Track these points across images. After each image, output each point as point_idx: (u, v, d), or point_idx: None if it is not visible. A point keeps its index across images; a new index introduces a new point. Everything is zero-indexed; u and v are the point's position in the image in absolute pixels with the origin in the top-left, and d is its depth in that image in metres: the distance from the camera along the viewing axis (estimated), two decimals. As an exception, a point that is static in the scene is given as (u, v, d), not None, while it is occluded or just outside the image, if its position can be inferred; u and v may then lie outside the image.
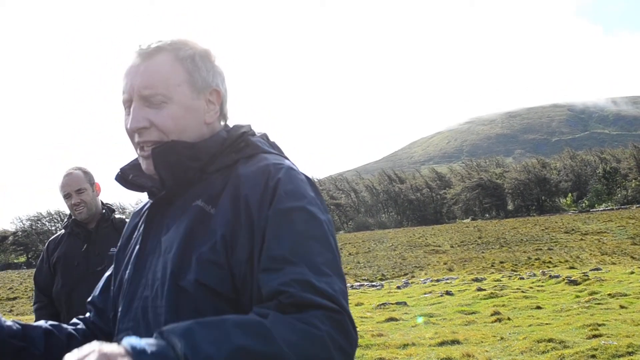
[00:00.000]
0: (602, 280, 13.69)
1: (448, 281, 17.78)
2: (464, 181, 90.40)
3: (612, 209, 63.37)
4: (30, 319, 13.85)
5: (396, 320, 9.90)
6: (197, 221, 1.14)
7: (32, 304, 3.81)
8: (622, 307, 9.53)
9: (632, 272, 15.30)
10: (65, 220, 3.41)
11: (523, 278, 16.69)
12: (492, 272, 20.53)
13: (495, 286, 14.33)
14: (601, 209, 67.94)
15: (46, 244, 3.44)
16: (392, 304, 12.12)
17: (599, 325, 7.75)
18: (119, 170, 1.30)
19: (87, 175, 3.26)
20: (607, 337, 6.97)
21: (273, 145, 1.28)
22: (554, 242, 30.85)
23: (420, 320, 9.94)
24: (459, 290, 14.11)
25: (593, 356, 6.12)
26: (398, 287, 17.09)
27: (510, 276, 17.86)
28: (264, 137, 1.29)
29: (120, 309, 1.23)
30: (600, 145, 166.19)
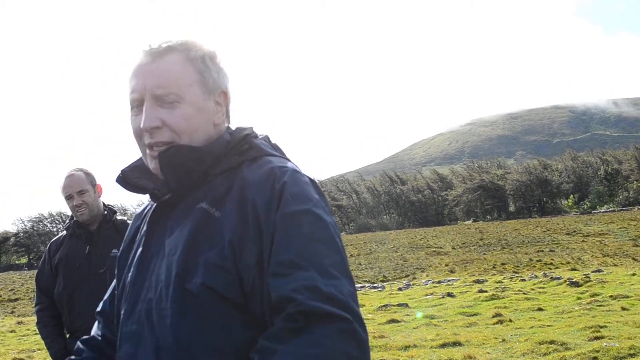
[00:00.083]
0: (604, 282, 13.66)
1: (449, 283, 17.75)
2: (465, 183, 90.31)
3: (614, 211, 63.27)
4: (31, 320, 13.86)
5: (397, 322, 9.89)
6: (201, 224, 1.13)
7: (33, 305, 3.81)
8: (623, 309, 9.50)
9: (634, 274, 15.26)
10: (67, 221, 3.42)
11: (524, 280, 16.66)
12: (494, 274, 20.49)
13: (497, 288, 14.29)
14: (603, 210, 67.83)
15: (48, 246, 3.45)
16: (393, 305, 12.10)
17: (601, 327, 7.73)
18: (120, 172, 1.29)
19: (89, 176, 3.27)
20: (609, 339, 6.95)
21: (275, 147, 1.28)
22: (556, 243, 30.80)
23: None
24: (460, 292, 14.09)
25: (595, 358, 6.10)
26: (399, 289, 17.06)
27: (511, 278, 17.82)
28: (266, 139, 1.28)
29: (123, 312, 1.22)
30: (602, 146, 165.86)
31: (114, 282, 1.38)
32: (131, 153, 1.27)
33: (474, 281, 17.21)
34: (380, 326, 9.58)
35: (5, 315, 18.90)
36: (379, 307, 11.99)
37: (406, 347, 7.49)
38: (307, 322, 0.99)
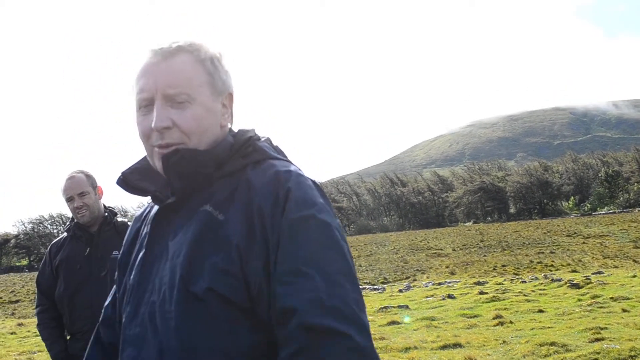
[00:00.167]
0: (605, 283, 13.66)
1: (450, 284, 17.74)
2: (465, 184, 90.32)
3: (615, 213, 63.24)
4: (32, 322, 13.84)
5: (398, 323, 9.90)
6: (205, 226, 1.12)
7: (34, 307, 3.80)
8: (624, 310, 9.50)
9: (635, 276, 15.26)
10: (68, 223, 3.42)
11: (525, 281, 16.65)
12: (494, 276, 20.49)
13: (497, 289, 14.28)
14: (603, 212, 67.80)
15: (49, 247, 3.45)
16: (394, 307, 12.10)
17: (601, 328, 7.72)
18: (120, 174, 1.27)
19: (90, 178, 3.27)
20: (610, 340, 6.95)
21: (277, 150, 1.27)
22: (556, 245, 30.80)
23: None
24: (461, 294, 14.09)
25: (595, 360, 6.11)
26: (400, 291, 17.05)
27: (512, 280, 17.81)
28: (268, 141, 1.27)
29: (126, 315, 1.21)
30: (602, 148, 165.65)
31: (114, 287, 1.37)
32: (131, 153, 1.28)
33: (475, 283, 17.20)
34: (380, 328, 9.58)
35: (6, 317, 18.90)
36: (380, 309, 11.98)
37: (407, 349, 7.49)
38: (308, 341, 1.00)
